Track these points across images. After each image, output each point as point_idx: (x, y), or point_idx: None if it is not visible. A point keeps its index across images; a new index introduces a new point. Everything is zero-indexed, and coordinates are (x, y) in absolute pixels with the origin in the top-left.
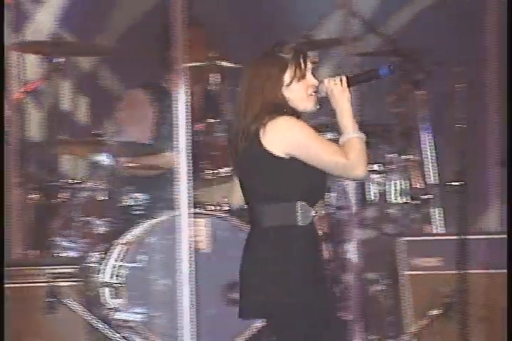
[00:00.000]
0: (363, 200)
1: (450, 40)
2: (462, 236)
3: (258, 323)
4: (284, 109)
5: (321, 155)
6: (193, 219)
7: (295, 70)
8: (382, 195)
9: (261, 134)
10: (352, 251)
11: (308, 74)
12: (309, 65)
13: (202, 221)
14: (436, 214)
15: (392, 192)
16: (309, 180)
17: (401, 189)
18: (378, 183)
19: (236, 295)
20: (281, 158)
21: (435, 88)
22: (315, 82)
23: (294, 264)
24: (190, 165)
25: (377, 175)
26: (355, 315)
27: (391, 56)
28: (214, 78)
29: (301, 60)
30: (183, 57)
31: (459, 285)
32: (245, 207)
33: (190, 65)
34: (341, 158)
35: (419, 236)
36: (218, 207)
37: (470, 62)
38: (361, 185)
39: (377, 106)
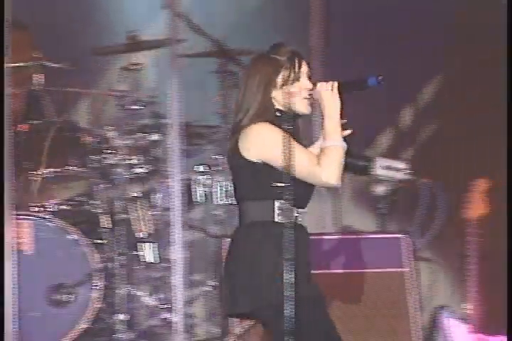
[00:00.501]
0: (189, 201)
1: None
2: None
3: (84, 324)
4: (271, 111)
5: (295, 164)
6: (15, 220)
7: (289, 73)
8: (208, 196)
9: (239, 139)
10: (178, 253)
11: (303, 78)
12: (304, 68)
13: (25, 222)
14: None
15: (218, 193)
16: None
17: (226, 190)
18: (204, 184)
19: (60, 297)
20: (254, 162)
21: None
22: (309, 85)
23: (267, 260)
24: (12, 166)
25: (203, 177)
26: (180, 315)
27: (217, 57)
28: (38, 78)
29: (296, 63)
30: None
31: None
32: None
33: (13, 65)
34: (311, 165)
35: None
36: (42, 209)
37: None
38: (187, 187)
39: (202, 107)
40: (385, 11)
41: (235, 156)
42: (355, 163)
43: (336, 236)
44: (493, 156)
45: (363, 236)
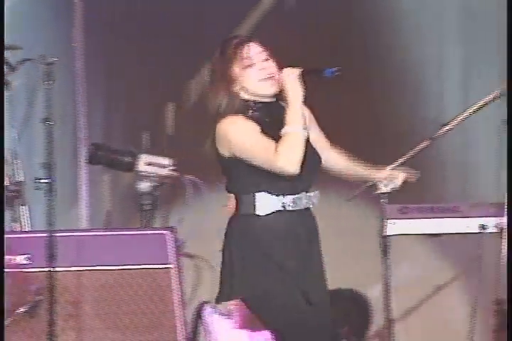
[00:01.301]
0: None
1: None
2: (49, 234)
3: None
4: (237, 103)
5: (254, 153)
6: None
7: (238, 60)
8: None
9: (215, 135)
10: None
11: (259, 61)
12: (255, 52)
13: None
14: (24, 211)
15: None
16: (269, 172)
17: None
18: None
19: None
20: (230, 157)
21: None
22: (267, 65)
23: (250, 252)
24: None
25: None
26: None
27: None
28: None
29: (242, 50)
30: None
31: (48, 282)
32: None
33: None
34: (267, 153)
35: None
36: None
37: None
38: None
39: None
40: None
41: (217, 152)
42: (120, 160)
43: (102, 233)
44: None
45: (128, 233)
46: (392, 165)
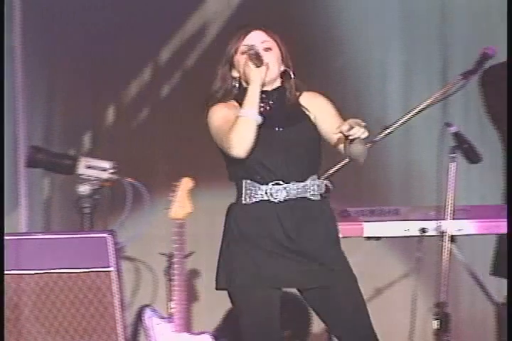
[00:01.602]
0: None
1: None
2: None
3: None
4: (229, 89)
5: (218, 139)
6: None
7: (235, 45)
8: None
9: None
10: None
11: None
12: (258, 40)
13: None
14: None
15: None
16: (254, 159)
17: None
18: None
19: None
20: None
21: None
22: (264, 55)
23: (234, 242)
24: None
25: None
26: None
27: None
28: None
29: (240, 35)
30: None
31: None
32: None
33: None
34: (224, 137)
35: None
36: None
37: None
38: None
39: None
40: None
41: None
42: (60, 162)
43: (41, 236)
44: (197, 156)
45: (68, 236)
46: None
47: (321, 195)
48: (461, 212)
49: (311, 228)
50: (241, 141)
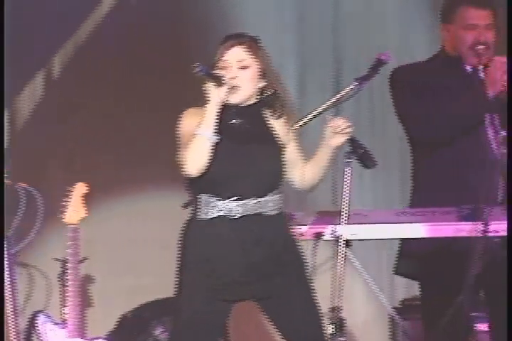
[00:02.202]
0: None
1: None
2: None
3: None
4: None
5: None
6: None
7: (216, 61)
8: None
9: None
10: None
11: (234, 68)
12: (236, 58)
13: None
14: None
15: None
16: (213, 174)
17: None
18: None
19: None
20: None
21: None
22: (239, 74)
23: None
24: None
25: None
26: None
27: None
28: None
29: (221, 52)
30: None
31: None
32: None
33: None
34: (181, 155)
35: None
36: None
37: None
38: None
39: None
40: None
41: None
42: None
43: None
44: (93, 161)
45: None
46: None
47: (278, 211)
48: (356, 217)
49: (266, 244)
50: (194, 161)
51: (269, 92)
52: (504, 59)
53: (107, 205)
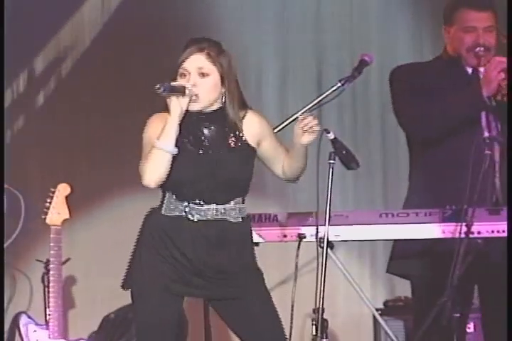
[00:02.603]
0: None
1: None
2: None
3: None
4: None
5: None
6: None
7: (177, 67)
8: None
9: None
10: None
11: (194, 75)
12: (195, 65)
13: None
14: None
15: None
16: (175, 175)
17: None
18: None
19: None
20: None
21: None
22: (198, 82)
23: (146, 248)
24: None
25: None
26: None
27: None
28: None
29: (187, 59)
30: None
31: None
32: None
33: None
34: (140, 164)
35: None
36: None
37: None
38: None
39: None
40: None
41: None
42: None
43: None
44: (74, 162)
45: None
46: None
47: (242, 218)
48: (339, 218)
49: (224, 251)
50: (152, 173)
51: (224, 99)
52: (501, 58)
53: (89, 206)
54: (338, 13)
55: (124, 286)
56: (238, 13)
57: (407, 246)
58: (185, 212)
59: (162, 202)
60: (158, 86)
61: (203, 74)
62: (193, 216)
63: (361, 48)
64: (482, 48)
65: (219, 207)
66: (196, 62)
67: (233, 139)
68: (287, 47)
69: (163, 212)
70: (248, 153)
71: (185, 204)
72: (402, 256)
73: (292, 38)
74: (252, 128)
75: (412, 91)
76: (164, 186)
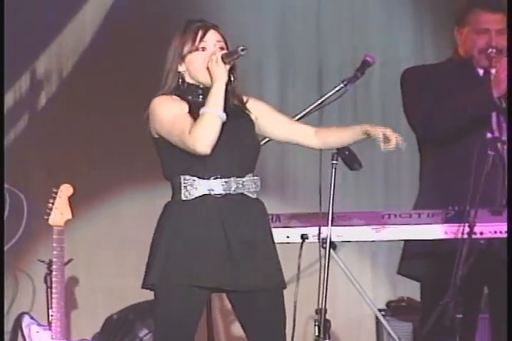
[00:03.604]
0: None
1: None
2: None
3: None
4: (174, 84)
5: (171, 132)
6: None
7: (191, 42)
8: None
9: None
10: None
11: (213, 49)
12: (210, 39)
13: None
14: None
15: None
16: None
17: None
18: None
19: None
20: (156, 138)
21: None
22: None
23: (169, 240)
24: None
25: None
26: None
27: None
28: None
29: (199, 33)
30: None
31: None
32: None
33: None
34: (185, 134)
35: None
36: None
37: None
38: None
39: None
40: None
41: (149, 133)
42: None
43: None
44: (75, 162)
45: None
46: None
47: (256, 193)
48: (342, 219)
49: (251, 227)
50: (206, 137)
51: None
52: None
53: (92, 207)
54: (339, 12)
55: (145, 284)
56: (238, 13)
57: (418, 248)
58: (207, 189)
59: (178, 189)
60: (242, 47)
61: (221, 49)
62: (215, 191)
63: (362, 47)
64: (494, 50)
65: (237, 180)
66: (214, 37)
67: (238, 114)
68: (287, 46)
69: (183, 198)
70: (252, 127)
71: (207, 180)
72: (413, 257)
73: (292, 38)
74: (250, 106)
75: (423, 92)
76: (178, 169)
